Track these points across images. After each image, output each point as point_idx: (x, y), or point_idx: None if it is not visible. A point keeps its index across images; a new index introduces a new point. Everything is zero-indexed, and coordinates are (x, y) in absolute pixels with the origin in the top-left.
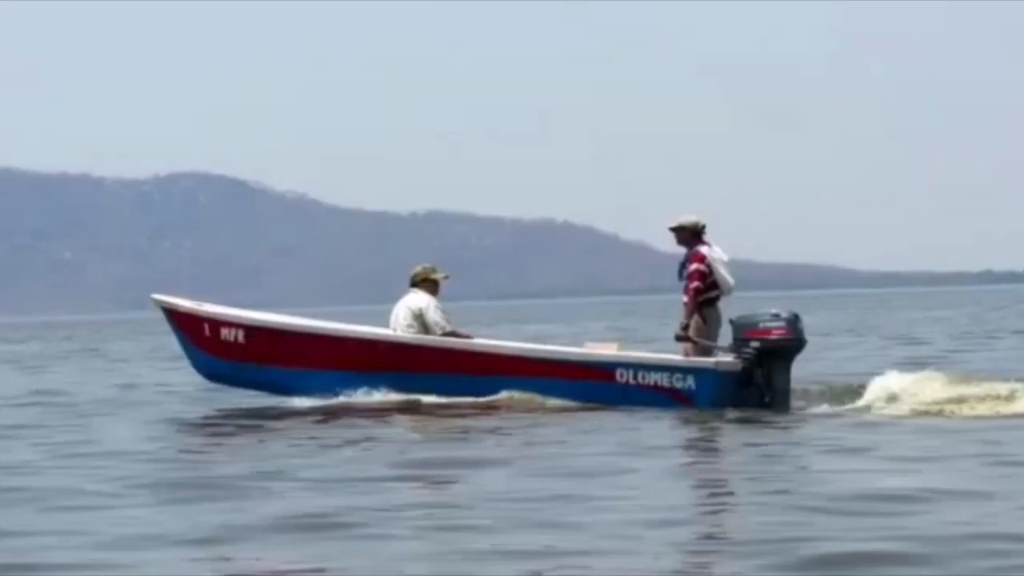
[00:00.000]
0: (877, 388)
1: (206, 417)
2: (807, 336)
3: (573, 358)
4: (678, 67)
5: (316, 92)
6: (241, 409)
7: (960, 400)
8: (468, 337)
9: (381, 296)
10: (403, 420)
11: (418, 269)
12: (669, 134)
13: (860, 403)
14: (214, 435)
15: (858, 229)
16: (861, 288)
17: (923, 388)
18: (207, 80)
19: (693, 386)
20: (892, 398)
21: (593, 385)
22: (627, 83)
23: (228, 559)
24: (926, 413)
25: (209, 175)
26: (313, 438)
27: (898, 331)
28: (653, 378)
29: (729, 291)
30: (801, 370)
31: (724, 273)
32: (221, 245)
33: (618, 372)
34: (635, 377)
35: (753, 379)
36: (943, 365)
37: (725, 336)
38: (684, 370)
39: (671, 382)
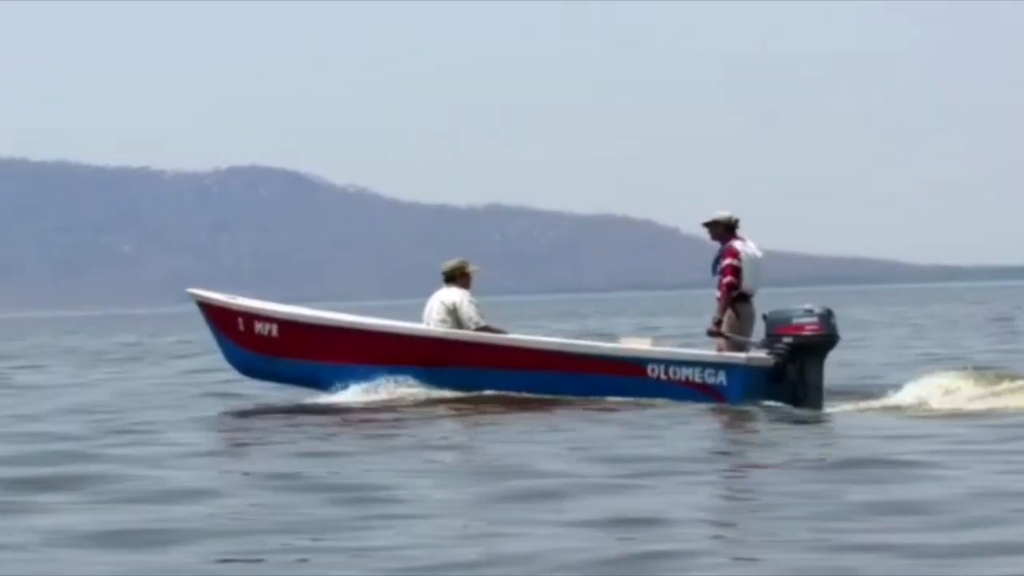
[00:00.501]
0: (913, 387)
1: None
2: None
3: (605, 353)
4: (731, 67)
5: (376, 86)
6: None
7: (995, 396)
8: (501, 332)
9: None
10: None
11: (453, 263)
12: (725, 129)
13: (892, 401)
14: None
15: (917, 223)
16: (922, 283)
17: (957, 386)
18: (267, 74)
19: (724, 382)
20: (924, 396)
21: (625, 380)
22: (686, 81)
23: None
24: (961, 411)
25: (269, 169)
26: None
27: None
28: (684, 373)
29: (751, 292)
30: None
31: (747, 273)
32: (281, 239)
33: (650, 367)
34: (667, 372)
35: (786, 375)
36: None
37: (760, 332)
38: (715, 365)
39: (703, 377)
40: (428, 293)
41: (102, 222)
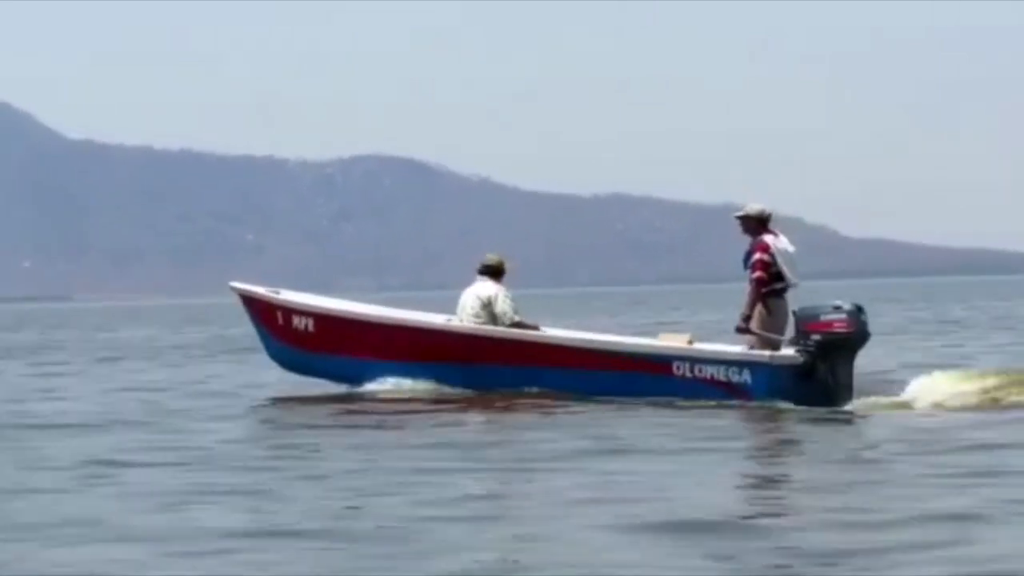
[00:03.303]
0: (920, 386)
1: None
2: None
3: (631, 350)
4: (868, 42)
5: (499, 76)
6: None
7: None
8: (535, 327)
9: (564, 279)
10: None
11: (498, 257)
12: (850, 119)
13: (905, 398)
14: None
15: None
16: None
17: (965, 385)
18: (391, 63)
19: (749, 380)
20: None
21: (651, 378)
22: (810, 72)
23: None
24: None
25: (392, 158)
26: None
27: None
28: (709, 371)
29: (793, 286)
30: None
31: (784, 267)
32: (403, 228)
33: (675, 365)
34: (692, 370)
35: (815, 373)
36: None
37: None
38: (740, 364)
39: (727, 375)
40: (552, 283)
41: (225, 211)
